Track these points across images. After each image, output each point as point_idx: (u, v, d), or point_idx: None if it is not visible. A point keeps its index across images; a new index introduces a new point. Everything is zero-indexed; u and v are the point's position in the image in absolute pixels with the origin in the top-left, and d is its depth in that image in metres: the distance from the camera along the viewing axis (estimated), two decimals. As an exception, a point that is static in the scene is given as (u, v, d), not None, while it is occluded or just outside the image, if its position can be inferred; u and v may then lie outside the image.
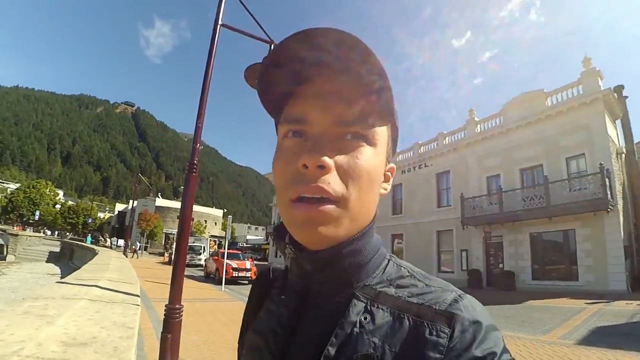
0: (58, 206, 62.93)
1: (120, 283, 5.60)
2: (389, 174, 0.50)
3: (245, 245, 56.22)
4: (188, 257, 25.97)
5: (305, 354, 0.42)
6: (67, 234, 55.78)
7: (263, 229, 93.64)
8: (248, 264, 16.26)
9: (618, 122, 16.06)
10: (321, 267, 0.44)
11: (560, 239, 14.69)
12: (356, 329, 0.40)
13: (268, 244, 46.22)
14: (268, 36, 5.16)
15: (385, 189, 0.49)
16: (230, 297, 11.14)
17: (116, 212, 70.71)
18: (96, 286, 4.74)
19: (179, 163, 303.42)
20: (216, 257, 16.84)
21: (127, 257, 19.88)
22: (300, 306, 0.47)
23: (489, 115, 19.09)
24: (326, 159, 0.39)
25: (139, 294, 4.68)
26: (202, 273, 19.79)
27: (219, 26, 4.93)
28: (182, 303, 4.11)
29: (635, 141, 16.96)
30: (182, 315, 3.95)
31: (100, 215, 66.94)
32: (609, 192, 12.60)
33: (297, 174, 0.40)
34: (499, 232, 16.51)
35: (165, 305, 4.02)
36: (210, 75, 4.77)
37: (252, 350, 0.49)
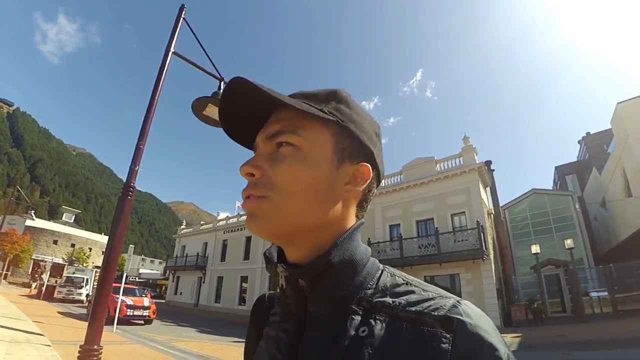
0: None
1: (8, 319, 4.74)
2: (356, 174, 0.49)
3: (137, 279, 49.57)
4: (65, 290, 22.13)
5: None
6: None
7: (160, 263, 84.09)
8: (146, 301, 14.54)
9: (488, 189, 20.11)
10: (315, 280, 0.45)
11: (448, 282, 17.06)
12: (355, 343, 0.40)
13: (166, 279, 41.54)
14: (219, 72, 5.31)
15: (353, 189, 0.49)
16: (125, 339, 9.86)
17: (-36, 229, 55.69)
18: (-19, 324, 4.00)
19: (61, 178, 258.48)
20: (106, 293, 14.70)
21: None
22: (299, 328, 0.46)
23: (391, 173, 21.76)
24: (249, 167, 0.48)
25: (42, 333, 4.07)
26: (84, 310, 16.89)
27: (170, 53, 5.04)
28: (101, 344, 3.79)
29: (501, 204, 21.37)
30: (100, 358, 3.63)
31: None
32: (483, 244, 15.48)
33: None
34: (399, 275, 18.38)
35: (80, 346, 3.65)
36: (157, 99, 4.76)
37: None
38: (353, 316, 0.43)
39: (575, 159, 35.05)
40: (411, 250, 17.67)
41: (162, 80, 4.84)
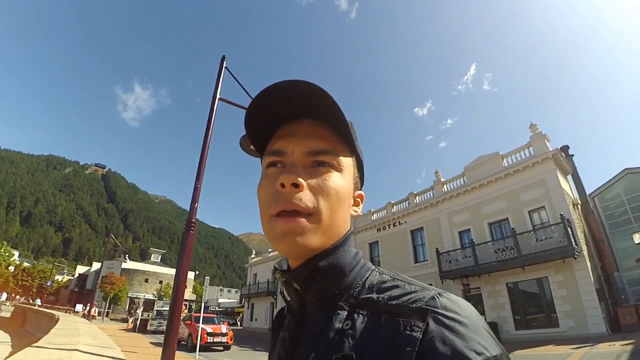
0: (12, 268, 57.04)
1: (101, 348, 5.30)
2: (358, 199, 0.59)
3: (217, 309, 52.48)
4: (156, 322, 24.12)
5: None
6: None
7: (237, 292, 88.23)
8: (224, 328, 15.32)
9: (569, 177, 17.75)
10: (306, 283, 0.50)
11: (535, 287, 15.08)
12: (338, 335, 0.44)
13: (242, 307, 43.34)
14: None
15: (355, 212, 0.58)
16: (206, 364, 10.35)
17: (76, 275, 65.15)
18: (77, 350, 4.50)
19: (148, 224, 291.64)
20: (189, 322, 15.79)
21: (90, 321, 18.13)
22: (299, 327, 0.52)
23: (453, 176, 20.46)
24: (298, 178, 0.48)
25: (126, 359, 4.47)
26: (172, 341, 18.16)
27: (217, 99, 5.61)
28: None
29: (588, 192, 18.71)
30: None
31: (59, 277, 61.03)
32: (572, 240, 13.43)
33: (277, 193, 0.48)
34: (476, 284, 16.77)
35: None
36: (208, 142, 5.31)
37: None
38: (339, 312, 0.47)
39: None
40: (487, 256, 16.05)
41: (211, 125, 5.39)
